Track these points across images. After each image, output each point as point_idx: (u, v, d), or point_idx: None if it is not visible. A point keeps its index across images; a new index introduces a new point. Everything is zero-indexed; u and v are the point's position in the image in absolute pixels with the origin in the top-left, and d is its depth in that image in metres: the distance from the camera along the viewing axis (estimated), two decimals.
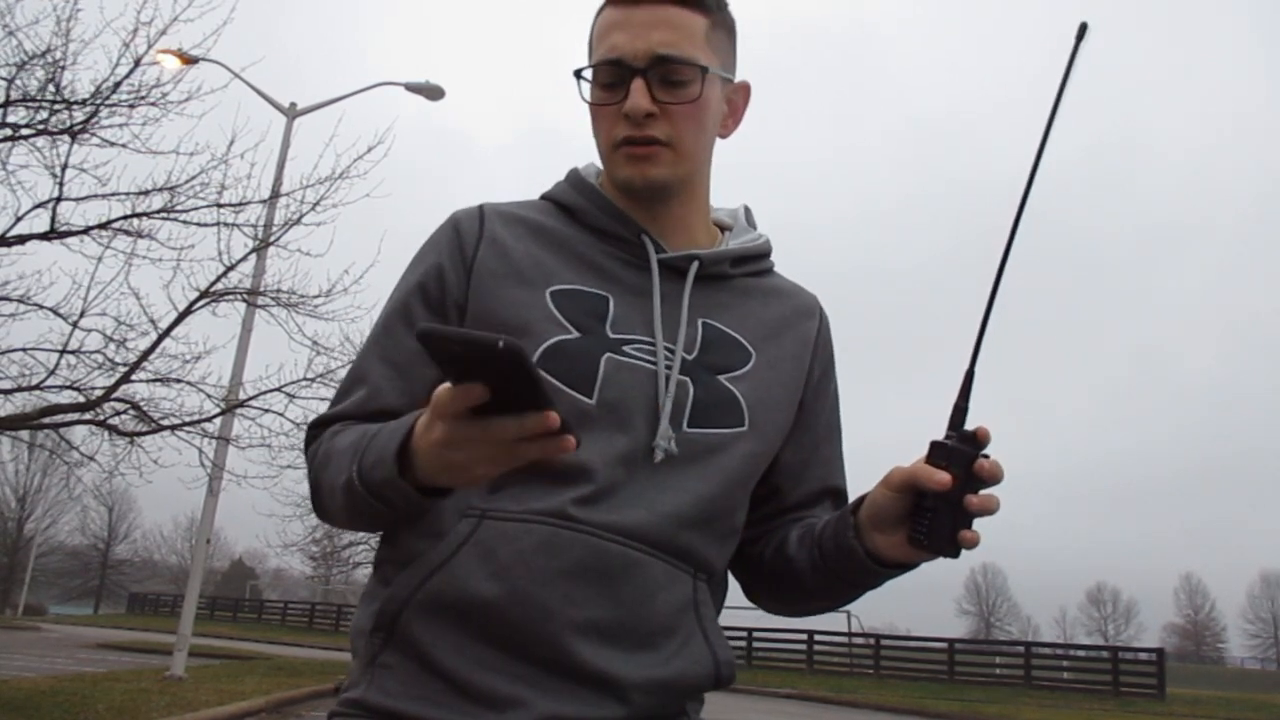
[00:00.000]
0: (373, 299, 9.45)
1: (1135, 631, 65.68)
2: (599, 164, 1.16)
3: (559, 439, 0.78)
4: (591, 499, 0.99)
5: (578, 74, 1.10)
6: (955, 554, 0.93)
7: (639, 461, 1.02)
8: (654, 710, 1.01)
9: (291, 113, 13.00)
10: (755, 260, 1.18)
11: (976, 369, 0.93)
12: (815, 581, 1.09)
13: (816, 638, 25.57)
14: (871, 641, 27.21)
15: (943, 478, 0.89)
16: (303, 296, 9.06)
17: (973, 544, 0.91)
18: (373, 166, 8.93)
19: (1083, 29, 0.91)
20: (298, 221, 8.81)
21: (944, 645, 25.83)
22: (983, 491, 0.91)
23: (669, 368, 1.05)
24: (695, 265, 1.11)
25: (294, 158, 11.99)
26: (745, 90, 1.18)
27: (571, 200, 1.14)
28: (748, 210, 1.25)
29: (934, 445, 0.92)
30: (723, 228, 1.21)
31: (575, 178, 1.17)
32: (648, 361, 1.05)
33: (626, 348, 1.05)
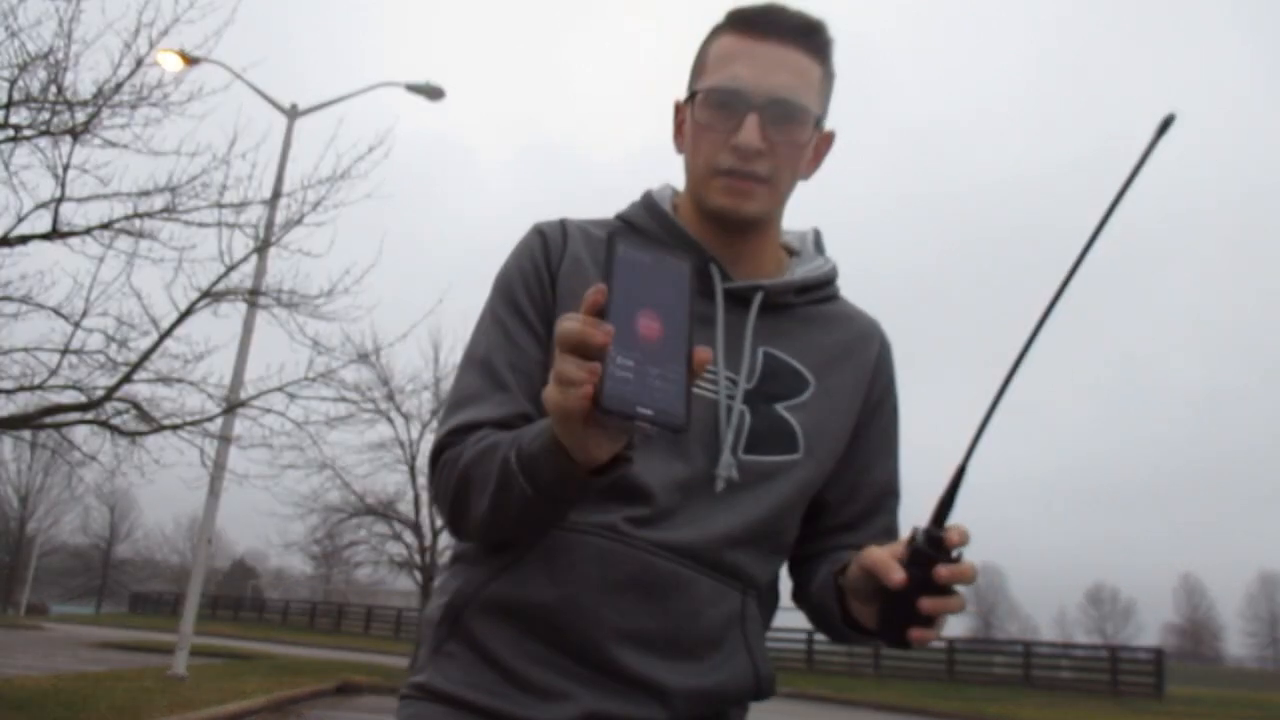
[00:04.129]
0: (373, 299, 9.48)
1: (1134, 631, 65.75)
2: (664, 186, 1.21)
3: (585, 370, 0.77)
4: (647, 519, 1.04)
5: (693, 93, 1.13)
6: (905, 647, 0.92)
7: (697, 488, 1.07)
8: (694, 716, 1.06)
9: (293, 113, 13.01)
10: (819, 288, 1.20)
11: (970, 464, 0.89)
12: (825, 623, 1.15)
13: (816, 638, 25.57)
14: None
15: (897, 577, 0.88)
16: (304, 296, 9.06)
17: (922, 642, 0.90)
18: (373, 167, 8.96)
19: (1168, 121, 0.86)
20: (299, 222, 8.82)
21: (943, 645, 25.83)
22: (937, 599, 0.88)
23: (730, 398, 1.09)
24: (759, 296, 1.14)
25: (295, 158, 12.02)
26: (830, 138, 1.20)
27: (644, 224, 1.18)
28: (818, 234, 1.27)
29: (908, 540, 0.91)
30: (791, 251, 1.24)
31: (649, 201, 1.20)
32: (710, 390, 1.09)
33: None
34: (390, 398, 16.17)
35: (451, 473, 1.05)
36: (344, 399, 9.86)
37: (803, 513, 1.16)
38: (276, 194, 9.59)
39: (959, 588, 0.89)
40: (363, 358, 12.02)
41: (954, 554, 0.88)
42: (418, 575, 17.84)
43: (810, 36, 1.11)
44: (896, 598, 0.90)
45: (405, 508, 17.87)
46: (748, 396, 1.10)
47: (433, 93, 13.68)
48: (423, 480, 17.42)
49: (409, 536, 17.88)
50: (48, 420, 8.11)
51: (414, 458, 17.34)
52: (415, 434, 17.31)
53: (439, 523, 17.57)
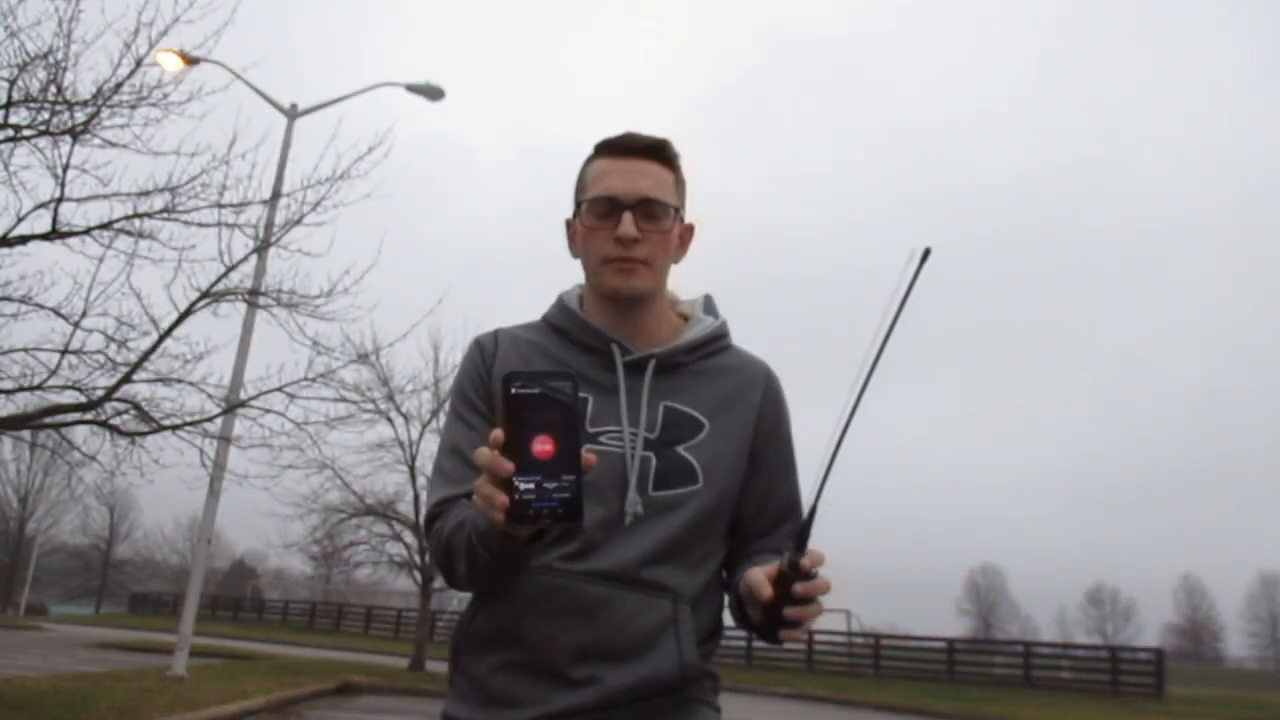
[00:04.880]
0: (373, 299, 9.48)
1: (1134, 631, 65.70)
2: (579, 278, 1.50)
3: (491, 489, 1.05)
4: (576, 555, 1.32)
5: (579, 204, 1.43)
6: (779, 643, 1.21)
7: (614, 525, 1.34)
8: (635, 700, 1.31)
9: (292, 113, 13.01)
10: (708, 344, 1.48)
11: (819, 505, 1.15)
12: (737, 618, 1.40)
13: (816, 638, 25.57)
14: (871, 641, 27.22)
15: (766, 593, 1.16)
16: (303, 297, 9.05)
17: (790, 639, 1.18)
18: (373, 167, 8.94)
19: (926, 253, 1.11)
20: (298, 222, 8.82)
21: (943, 645, 25.87)
22: (797, 608, 1.15)
23: (634, 448, 1.36)
24: (653, 363, 1.42)
25: (295, 158, 12.02)
26: (692, 229, 1.51)
27: (559, 322, 1.48)
28: (709, 299, 1.56)
29: (779, 564, 1.16)
30: (685, 317, 1.51)
31: (560, 303, 1.50)
32: (617, 446, 1.36)
33: (602, 437, 1.37)
34: (390, 398, 16.17)
35: (439, 543, 1.35)
36: (344, 399, 9.86)
37: (723, 529, 1.43)
38: (276, 194, 9.59)
39: (819, 598, 1.16)
40: (362, 358, 12.02)
41: (811, 573, 1.14)
42: (417, 575, 17.84)
43: (661, 151, 1.43)
44: (770, 607, 1.17)
45: (405, 508, 17.89)
46: (652, 444, 1.37)
47: (433, 93, 13.68)
48: (422, 480, 17.43)
49: (409, 536, 17.89)
50: (47, 420, 8.11)
51: (414, 458, 17.34)
52: (415, 434, 17.33)
53: None
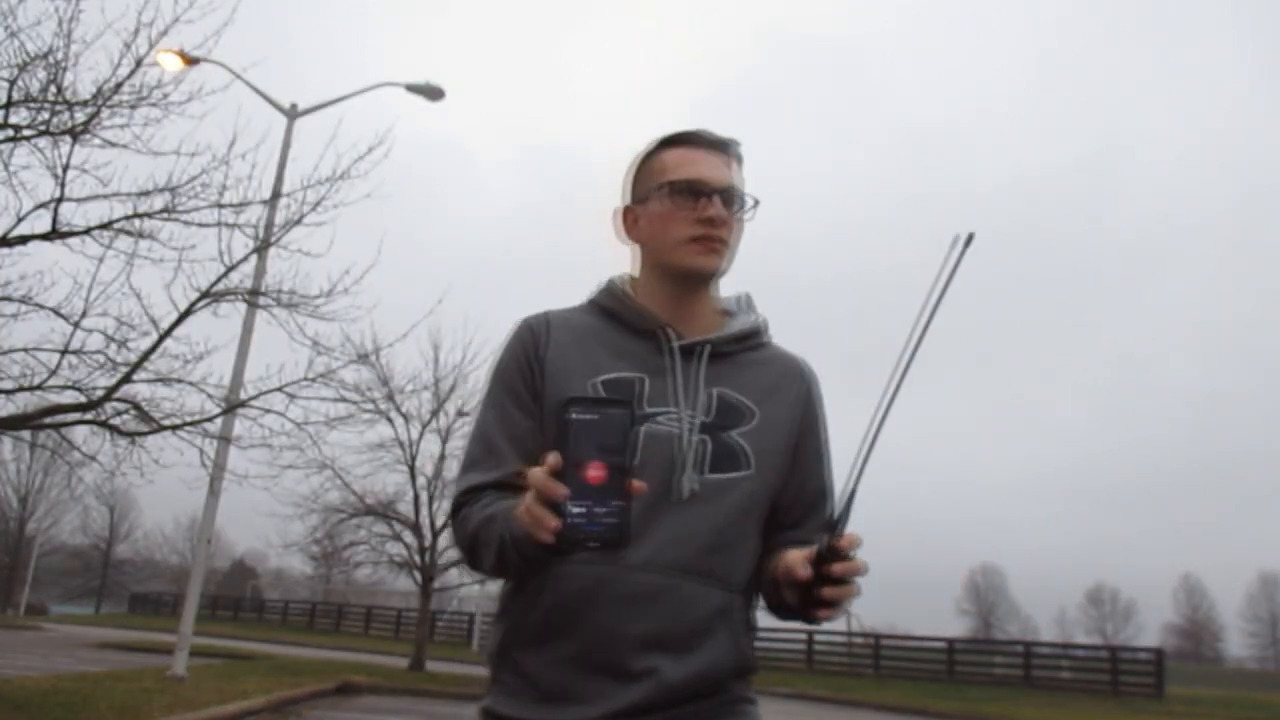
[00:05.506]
0: (373, 299, 9.47)
1: (1134, 631, 65.66)
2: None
3: (545, 518, 1.09)
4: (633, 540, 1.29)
5: (670, 183, 1.45)
6: (814, 623, 1.27)
7: (666, 505, 1.34)
8: (693, 693, 1.33)
9: (292, 113, 13.01)
10: (752, 337, 1.51)
11: (857, 488, 1.16)
12: (768, 603, 1.44)
13: (816, 637, 25.59)
14: (871, 641, 27.23)
15: (803, 573, 1.20)
16: (303, 297, 9.04)
17: (826, 619, 1.24)
18: (373, 167, 8.93)
19: (969, 239, 1.13)
20: (298, 222, 8.81)
21: (943, 645, 25.88)
22: (834, 588, 1.19)
23: (690, 429, 1.38)
24: (706, 348, 1.44)
25: (295, 158, 12.00)
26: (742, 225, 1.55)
27: (608, 304, 1.50)
28: (748, 297, 1.59)
29: (816, 546, 1.20)
30: (726, 312, 1.54)
31: (610, 287, 1.52)
32: (673, 426, 1.38)
33: (658, 418, 1.39)
34: (390, 398, 16.16)
35: (465, 532, 1.38)
36: (344, 399, 9.85)
37: (764, 518, 1.44)
38: (276, 194, 9.58)
39: (856, 579, 1.20)
40: (362, 358, 12.01)
41: (848, 555, 1.18)
42: (417, 575, 17.83)
43: (735, 149, 1.50)
44: (807, 587, 1.21)
45: (405, 508, 17.87)
46: (706, 427, 1.39)
47: (432, 93, 13.69)
48: (422, 480, 17.44)
49: (409, 536, 17.88)
50: (47, 420, 8.11)
51: (414, 458, 17.35)
52: (415, 434, 17.33)
53: (439, 523, 17.58)
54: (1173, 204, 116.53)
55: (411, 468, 17.31)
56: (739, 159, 1.51)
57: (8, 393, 7.85)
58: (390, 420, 16.77)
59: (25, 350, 7.72)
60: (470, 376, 17.64)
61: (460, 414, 17.62)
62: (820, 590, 1.19)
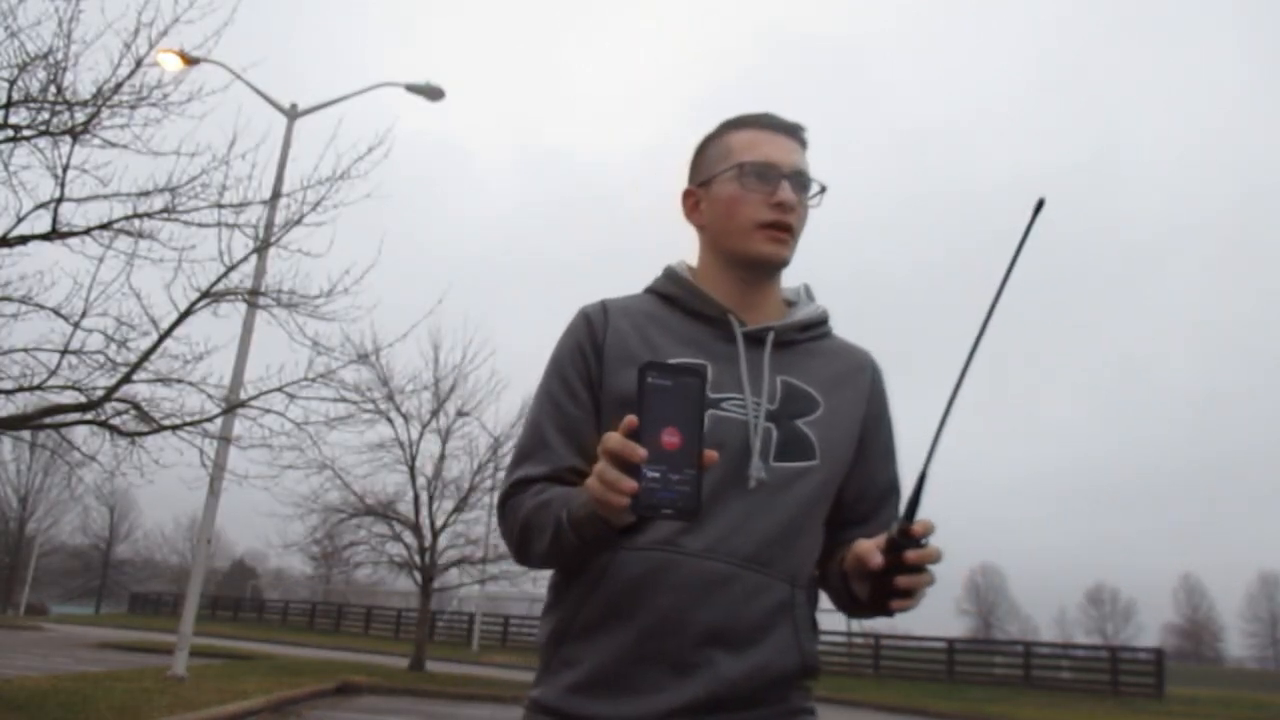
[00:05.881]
0: (373, 299, 9.48)
1: (1134, 631, 65.68)
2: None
3: (619, 482, 1.04)
4: (691, 528, 1.27)
5: (741, 165, 1.41)
6: (888, 614, 1.21)
7: (732, 492, 1.30)
8: (754, 692, 1.28)
9: (292, 113, 13.01)
10: (816, 327, 1.47)
11: (929, 471, 1.13)
12: (837, 600, 1.40)
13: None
14: (871, 641, 27.22)
15: (876, 561, 1.15)
16: (303, 297, 9.04)
17: (901, 610, 1.18)
18: (373, 167, 8.94)
19: (1039, 204, 1.12)
20: (298, 222, 8.81)
21: (943, 645, 25.87)
22: (909, 577, 1.15)
23: (757, 416, 1.33)
24: (771, 335, 1.40)
25: (295, 158, 12.01)
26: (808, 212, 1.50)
27: (670, 291, 1.46)
28: (808, 288, 1.55)
29: (887, 533, 1.16)
30: (789, 302, 1.51)
31: (671, 273, 1.48)
32: (740, 413, 1.33)
33: (724, 403, 1.33)
34: (390, 398, 16.15)
35: (514, 521, 1.34)
36: (344, 399, 9.84)
37: (826, 514, 1.39)
38: (276, 194, 9.59)
39: (930, 567, 1.15)
40: (362, 358, 12.00)
41: (922, 541, 1.13)
42: (417, 575, 17.83)
43: (803, 134, 1.46)
44: (880, 577, 1.16)
45: (405, 508, 17.87)
46: (773, 415, 1.34)
47: (432, 93, 13.69)
48: (422, 480, 17.45)
49: (409, 537, 17.88)
50: (47, 420, 8.11)
51: (414, 458, 17.35)
52: (415, 434, 17.33)
53: (438, 523, 17.59)
54: (1173, 204, 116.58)
55: (411, 468, 17.32)
56: (806, 145, 1.47)
57: (8, 393, 7.84)
58: (390, 420, 16.78)
59: (25, 350, 7.72)
60: (470, 376, 17.69)
61: (460, 414, 17.65)
62: (894, 579, 1.14)
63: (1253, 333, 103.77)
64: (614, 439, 1.05)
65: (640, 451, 1.03)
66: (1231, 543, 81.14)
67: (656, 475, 1.04)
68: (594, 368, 1.38)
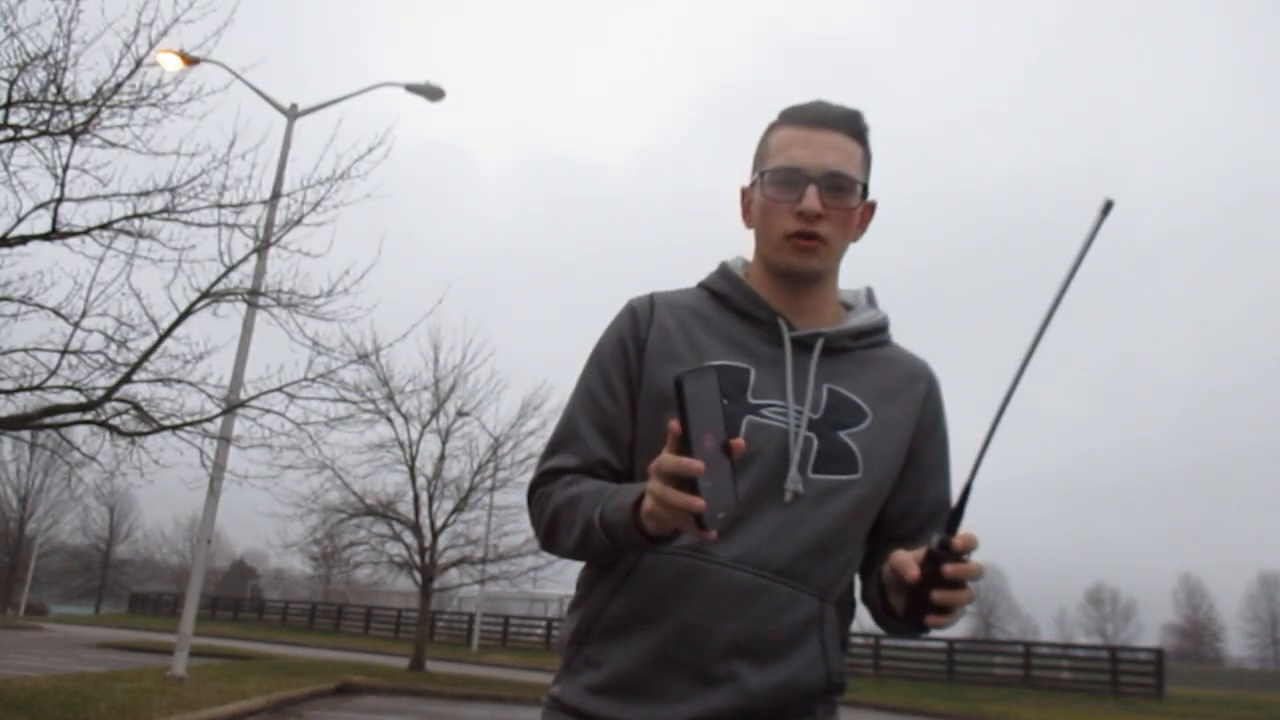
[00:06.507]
0: (373, 299, 9.49)
1: (1134, 631, 65.64)
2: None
3: (688, 501, 1.01)
4: (725, 537, 1.22)
5: (761, 173, 1.36)
6: (923, 631, 1.18)
7: (768, 502, 1.26)
8: (777, 707, 1.25)
9: (292, 114, 13.01)
10: (872, 334, 1.41)
11: (975, 483, 1.09)
12: (878, 617, 1.35)
13: None
14: (871, 641, 27.22)
15: (913, 574, 1.09)
16: (303, 297, 9.04)
17: (936, 626, 1.13)
18: (373, 167, 8.94)
19: (1108, 206, 1.08)
20: (298, 222, 8.82)
21: (943, 645, 25.85)
22: (946, 592, 1.08)
23: (798, 426, 1.29)
24: (820, 342, 1.35)
25: (295, 158, 12.01)
26: (873, 206, 1.43)
27: (721, 289, 1.41)
28: (870, 291, 1.49)
29: (927, 546, 1.10)
30: (847, 306, 1.45)
31: (724, 270, 1.43)
32: (780, 421, 1.29)
33: (764, 410, 1.29)
34: (390, 398, 16.15)
35: (543, 511, 1.33)
36: (344, 399, 9.84)
37: (869, 527, 1.35)
38: (276, 194, 9.58)
39: (970, 583, 1.09)
40: (362, 358, 12.00)
41: (963, 556, 1.07)
42: (417, 575, 17.83)
43: (851, 124, 1.35)
44: (916, 591, 1.10)
45: (405, 508, 17.88)
46: (815, 425, 1.30)
47: (432, 93, 13.69)
48: (422, 480, 17.45)
49: (409, 537, 17.88)
50: (47, 420, 8.11)
51: (414, 458, 17.35)
52: (415, 434, 17.33)
53: (438, 523, 17.59)
54: (1173, 204, 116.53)
55: (411, 468, 17.32)
56: (859, 135, 1.36)
57: (8, 393, 7.85)
58: (390, 420, 16.79)
59: (25, 350, 7.73)
60: (470, 377, 17.69)
61: (460, 414, 17.65)
62: (931, 594, 1.09)
63: (1252, 333, 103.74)
64: (670, 460, 1.03)
65: (698, 465, 1.01)
66: (1231, 543, 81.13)
67: (709, 485, 1.03)
68: (634, 363, 1.35)
